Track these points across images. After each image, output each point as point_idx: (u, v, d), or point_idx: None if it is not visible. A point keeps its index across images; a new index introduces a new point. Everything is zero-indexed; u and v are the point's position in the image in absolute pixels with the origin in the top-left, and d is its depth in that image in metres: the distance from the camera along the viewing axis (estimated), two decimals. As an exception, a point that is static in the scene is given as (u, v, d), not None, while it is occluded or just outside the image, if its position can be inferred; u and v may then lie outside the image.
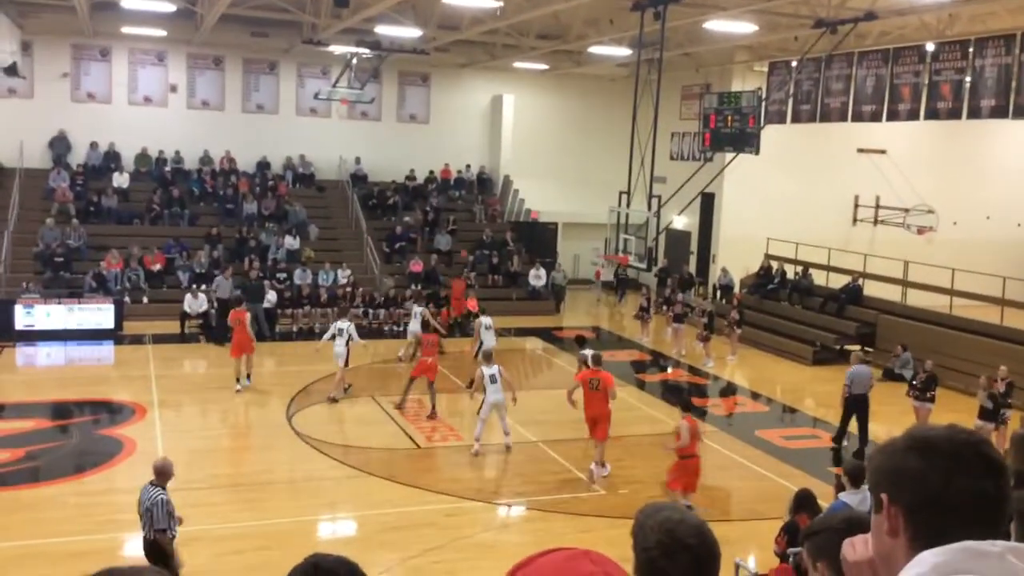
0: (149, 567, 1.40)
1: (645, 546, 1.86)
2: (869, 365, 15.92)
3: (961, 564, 1.45)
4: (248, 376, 17.37)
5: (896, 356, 19.84)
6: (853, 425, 15.21)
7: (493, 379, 13.84)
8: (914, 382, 15.54)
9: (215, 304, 21.67)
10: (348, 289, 23.84)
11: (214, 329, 21.32)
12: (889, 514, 1.57)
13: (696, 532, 1.88)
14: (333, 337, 16.73)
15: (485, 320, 18.82)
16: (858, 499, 7.60)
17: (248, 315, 17.85)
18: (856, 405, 15.06)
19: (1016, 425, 14.40)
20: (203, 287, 22.41)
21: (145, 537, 8.21)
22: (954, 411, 15.70)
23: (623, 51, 23.41)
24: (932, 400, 15.25)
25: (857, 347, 22.13)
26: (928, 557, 1.48)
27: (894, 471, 1.58)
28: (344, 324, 16.84)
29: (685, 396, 12.64)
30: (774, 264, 25.37)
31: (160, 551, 8.12)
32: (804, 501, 8.44)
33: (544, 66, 28.69)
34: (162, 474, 8.40)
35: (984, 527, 1.52)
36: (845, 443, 15.19)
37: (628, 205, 20.21)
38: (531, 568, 1.69)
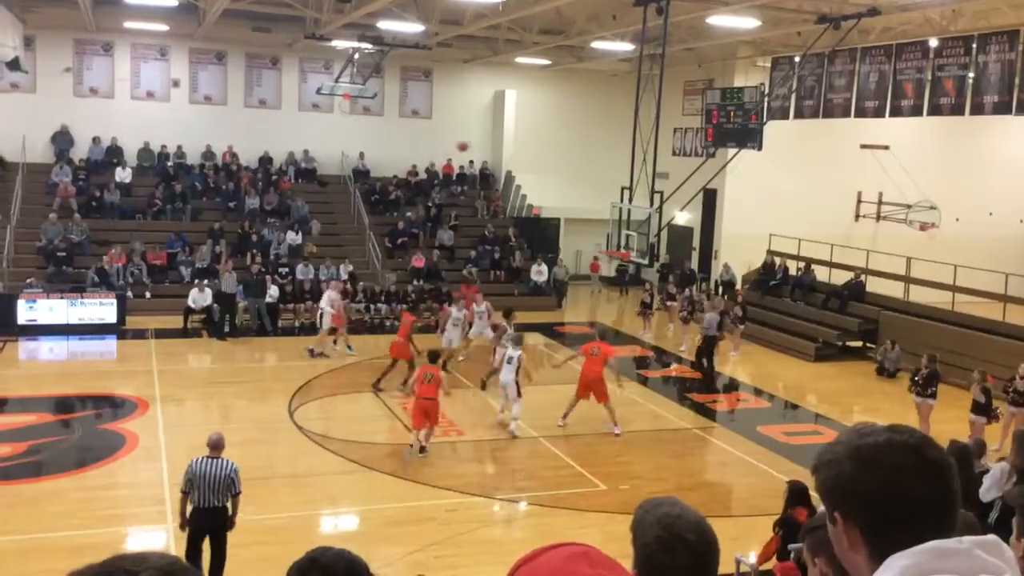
0: (156, 552, 1.39)
1: (644, 541, 1.87)
2: (719, 312, 20.26)
3: (929, 564, 1.46)
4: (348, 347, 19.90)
5: (886, 351, 19.92)
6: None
7: (509, 361, 14.71)
8: (916, 378, 15.54)
9: (216, 299, 21.66)
10: (346, 282, 23.85)
11: (216, 324, 21.35)
12: (846, 530, 1.57)
13: (695, 527, 1.88)
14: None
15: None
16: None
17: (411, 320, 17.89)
18: (709, 344, 19.56)
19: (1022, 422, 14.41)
20: (206, 281, 22.44)
21: (208, 508, 8.87)
22: (955, 407, 15.71)
23: (625, 46, 23.37)
24: (933, 396, 15.26)
25: (860, 343, 22.15)
26: (896, 561, 1.49)
27: (841, 490, 1.58)
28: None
29: (435, 351, 14.71)
30: (776, 260, 25.34)
31: (226, 518, 8.97)
32: (798, 494, 8.40)
33: (546, 61, 28.67)
34: (219, 447, 9.09)
35: (938, 528, 1.53)
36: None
37: (630, 201, 20.19)
38: (532, 565, 1.69)
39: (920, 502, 1.53)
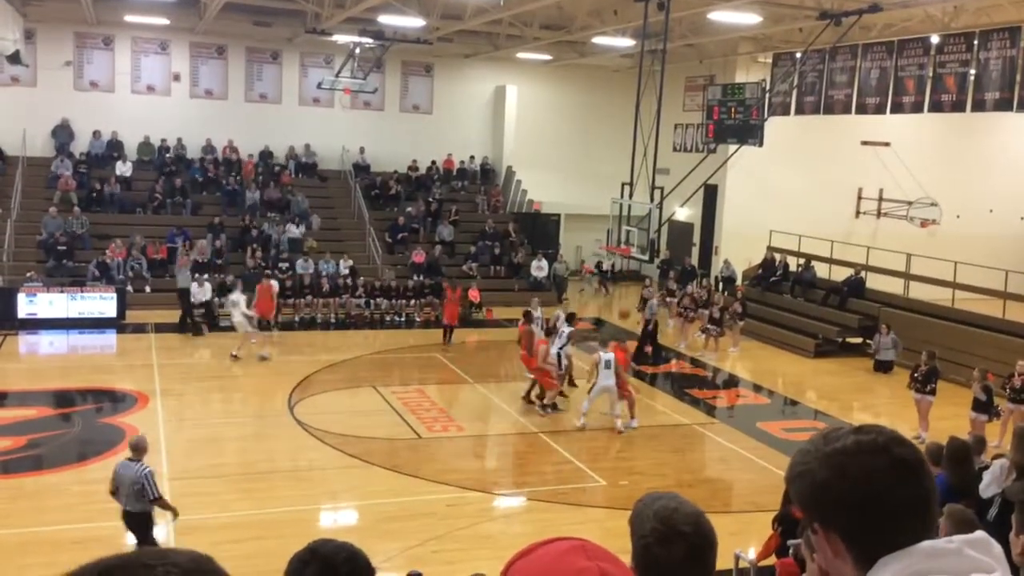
0: (181, 549, 1.37)
1: (641, 533, 1.87)
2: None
3: (920, 566, 1.45)
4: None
5: (879, 337, 19.86)
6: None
7: (608, 365, 14.67)
8: (915, 375, 15.55)
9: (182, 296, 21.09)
10: (348, 278, 23.83)
11: (211, 319, 21.30)
12: (828, 539, 1.55)
13: (692, 520, 1.88)
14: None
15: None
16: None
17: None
18: (650, 327, 20.95)
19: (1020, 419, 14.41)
20: (205, 276, 22.43)
21: (127, 512, 8.75)
22: (955, 404, 15.72)
23: (626, 42, 23.35)
24: (933, 393, 15.27)
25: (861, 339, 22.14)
26: (887, 565, 1.48)
27: (817, 500, 1.56)
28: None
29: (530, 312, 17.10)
30: (777, 256, 25.32)
31: (148, 521, 8.79)
32: None
33: (547, 57, 28.63)
34: (139, 449, 8.89)
35: (919, 527, 1.51)
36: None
37: (631, 196, 20.18)
38: (528, 559, 1.68)
39: (896, 502, 1.51)
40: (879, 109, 20.58)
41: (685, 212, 27.19)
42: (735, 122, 21.50)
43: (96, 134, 26.56)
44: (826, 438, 1.60)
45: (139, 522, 8.76)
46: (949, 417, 14.92)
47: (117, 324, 21.11)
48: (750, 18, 20.57)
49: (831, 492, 1.53)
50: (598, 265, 29.89)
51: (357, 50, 25.50)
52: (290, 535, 9.79)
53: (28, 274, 21.63)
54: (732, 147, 22.65)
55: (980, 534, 1.53)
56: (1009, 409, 14.66)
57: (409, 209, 27.69)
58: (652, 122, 18.62)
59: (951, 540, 1.49)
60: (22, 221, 23.75)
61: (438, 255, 26.08)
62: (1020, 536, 3.70)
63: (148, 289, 23.05)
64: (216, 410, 16.03)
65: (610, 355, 14.82)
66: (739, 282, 25.70)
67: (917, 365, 15.64)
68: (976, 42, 18.16)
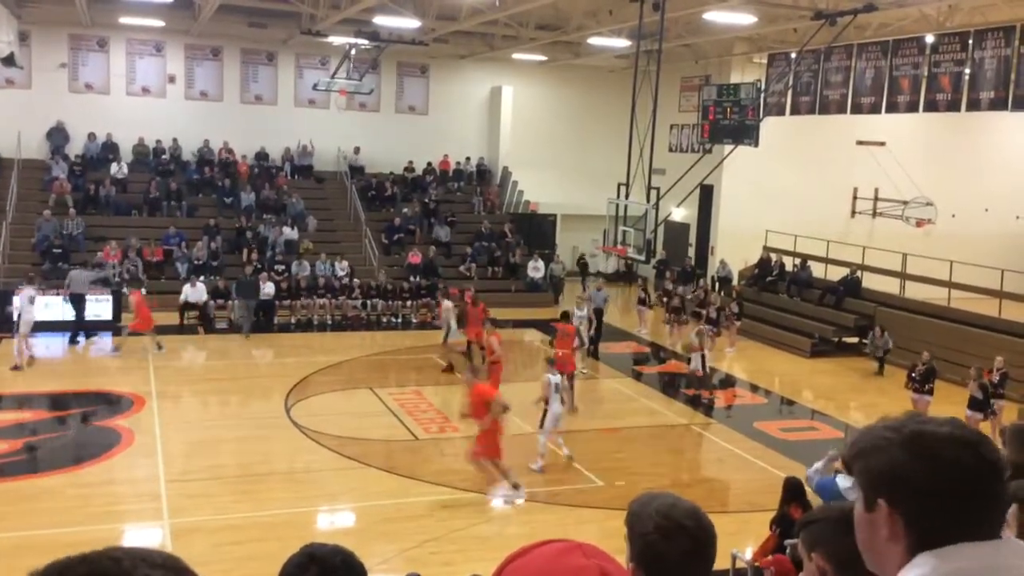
0: (145, 547, 1.38)
1: (643, 532, 1.87)
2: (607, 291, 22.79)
3: (960, 563, 1.46)
4: None
5: (874, 338, 19.92)
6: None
7: (558, 388, 13.17)
8: (913, 375, 15.58)
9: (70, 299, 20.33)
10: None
11: (206, 321, 21.25)
12: (889, 520, 1.52)
13: (692, 514, 1.90)
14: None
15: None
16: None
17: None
18: (596, 316, 20.58)
19: (1012, 416, 14.46)
20: (202, 278, 22.41)
21: None
22: (952, 403, 15.72)
23: (622, 42, 23.36)
24: (931, 392, 15.32)
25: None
26: (928, 559, 1.47)
27: (893, 476, 1.51)
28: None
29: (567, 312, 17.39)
30: (772, 256, 25.35)
31: None
32: (794, 490, 8.43)
33: (543, 57, 28.64)
34: None
35: (985, 528, 1.50)
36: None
37: (627, 197, 20.18)
38: (523, 560, 1.69)
39: (977, 500, 1.49)
40: (874, 109, 20.61)
41: (681, 212, 27.21)
42: (731, 122, 21.52)
43: (91, 136, 26.52)
44: (917, 420, 1.56)
45: None
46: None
47: (113, 327, 21.04)
48: (745, 18, 20.60)
49: (916, 473, 1.49)
50: (583, 265, 29.84)
51: (352, 51, 25.46)
52: (289, 537, 9.77)
53: (30, 275, 21.52)
54: (728, 147, 22.64)
55: (1012, 538, 1.54)
56: (1000, 405, 14.73)
57: (405, 210, 27.67)
58: (648, 122, 18.62)
59: (991, 543, 1.50)
60: (17, 224, 23.70)
61: (434, 256, 26.04)
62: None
63: (144, 291, 22.95)
64: (213, 412, 16.02)
65: (558, 377, 13.31)
66: (735, 282, 25.73)
67: (915, 365, 15.68)
68: (971, 41, 18.19)
